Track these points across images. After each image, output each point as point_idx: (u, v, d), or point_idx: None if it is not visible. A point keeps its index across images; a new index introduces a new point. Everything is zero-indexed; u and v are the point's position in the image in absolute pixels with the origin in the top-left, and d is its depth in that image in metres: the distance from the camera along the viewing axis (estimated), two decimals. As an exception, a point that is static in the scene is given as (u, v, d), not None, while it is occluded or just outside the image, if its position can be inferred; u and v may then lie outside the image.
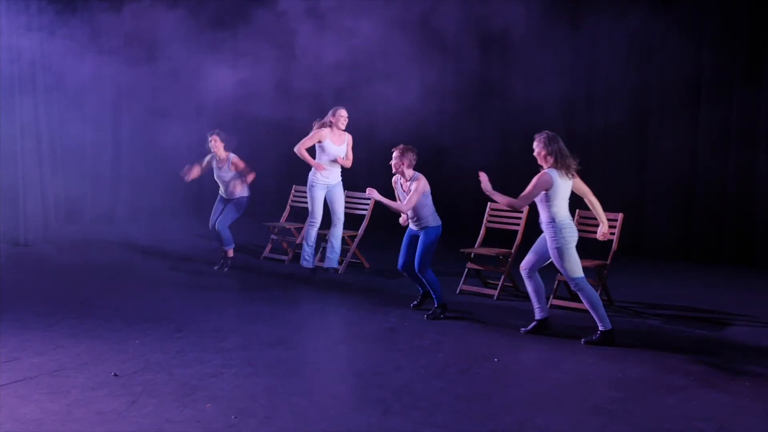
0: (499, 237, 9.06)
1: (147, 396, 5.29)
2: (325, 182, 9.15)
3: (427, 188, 7.45)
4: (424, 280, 7.59)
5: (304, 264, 9.32)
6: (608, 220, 8.10)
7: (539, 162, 6.77)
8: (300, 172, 12.95)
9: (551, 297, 8.03)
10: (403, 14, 11.31)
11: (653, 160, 10.99)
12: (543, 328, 6.95)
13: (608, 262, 7.96)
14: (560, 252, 6.66)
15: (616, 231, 8.03)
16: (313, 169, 9.10)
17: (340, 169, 9.22)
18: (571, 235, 6.69)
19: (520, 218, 8.60)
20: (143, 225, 12.67)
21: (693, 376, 5.88)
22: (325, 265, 9.32)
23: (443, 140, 12.25)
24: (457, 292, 8.53)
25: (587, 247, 8.73)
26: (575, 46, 11.43)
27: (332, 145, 9.02)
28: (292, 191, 10.96)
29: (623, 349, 6.54)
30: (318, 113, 12.47)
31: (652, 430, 4.87)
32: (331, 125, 9.03)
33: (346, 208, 10.23)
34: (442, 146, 12.29)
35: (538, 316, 6.97)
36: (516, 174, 12.08)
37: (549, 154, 6.62)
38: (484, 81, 12.07)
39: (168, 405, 5.14)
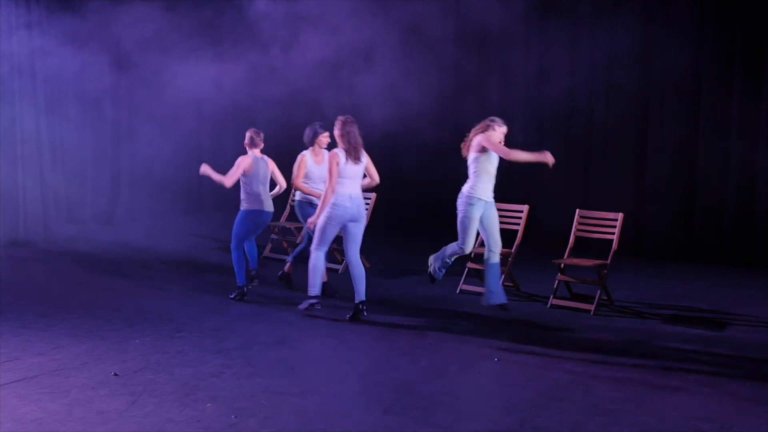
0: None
1: (147, 396, 5.29)
2: (485, 199, 7.50)
3: (249, 168, 8.21)
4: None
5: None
6: (608, 220, 8.19)
7: (338, 142, 7.41)
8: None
9: (552, 297, 8.04)
10: (404, 12, 11.33)
11: (653, 160, 10.98)
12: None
13: (608, 262, 7.95)
14: (321, 220, 7.36)
15: (616, 231, 8.03)
16: (471, 183, 7.45)
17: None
18: (338, 214, 7.32)
19: (520, 218, 8.60)
20: (143, 225, 12.66)
21: (693, 376, 5.88)
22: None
23: (442, 140, 12.23)
24: (457, 291, 8.53)
25: (587, 247, 8.77)
26: (575, 46, 11.43)
27: None
28: (293, 191, 10.94)
29: (623, 349, 6.55)
30: (315, 113, 12.54)
31: (652, 430, 4.87)
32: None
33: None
34: (441, 146, 12.28)
35: (311, 293, 7.44)
36: (516, 174, 12.11)
37: (342, 136, 7.33)
38: (483, 80, 12.06)
39: (168, 405, 5.14)
